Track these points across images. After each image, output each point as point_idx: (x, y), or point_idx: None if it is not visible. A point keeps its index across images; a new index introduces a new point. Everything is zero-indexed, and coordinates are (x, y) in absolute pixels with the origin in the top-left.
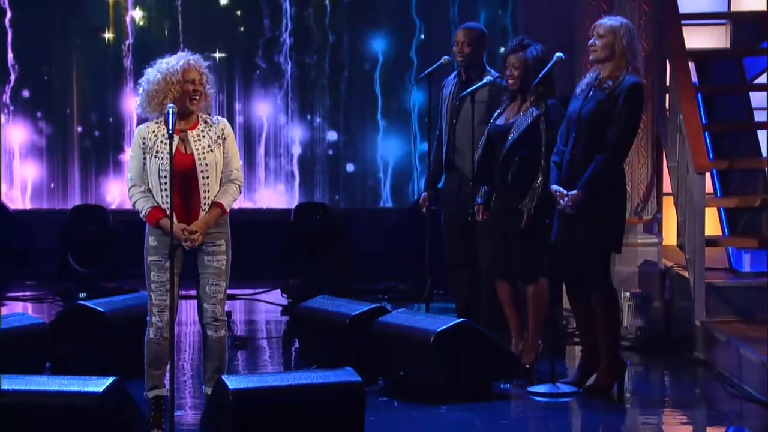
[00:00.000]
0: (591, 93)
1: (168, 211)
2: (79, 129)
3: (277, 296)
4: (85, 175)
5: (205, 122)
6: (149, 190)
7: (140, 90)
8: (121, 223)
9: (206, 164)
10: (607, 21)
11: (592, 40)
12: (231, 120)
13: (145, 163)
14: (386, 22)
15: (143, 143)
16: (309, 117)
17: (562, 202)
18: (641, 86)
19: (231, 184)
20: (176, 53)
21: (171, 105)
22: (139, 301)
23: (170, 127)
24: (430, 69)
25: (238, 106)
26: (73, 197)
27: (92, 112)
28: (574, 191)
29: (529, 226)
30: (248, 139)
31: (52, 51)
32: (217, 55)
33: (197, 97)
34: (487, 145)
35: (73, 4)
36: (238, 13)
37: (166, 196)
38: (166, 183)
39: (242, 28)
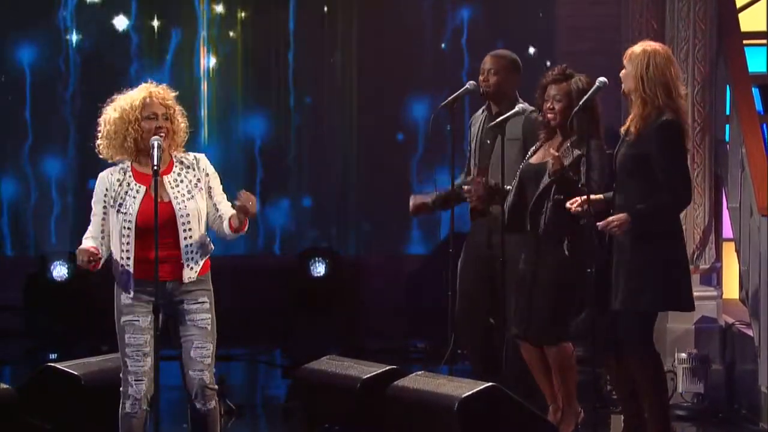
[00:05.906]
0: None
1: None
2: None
3: (277, 357)
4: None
5: (182, 162)
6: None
7: (100, 131)
8: (97, 271)
9: (187, 213)
10: (637, 46)
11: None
12: None
13: (105, 218)
14: None
15: (105, 194)
16: None
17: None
18: (676, 122)
19: None
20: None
21: (156, 138)
22: (118, 362)
23: (155, 163)
24: (453, 95)
25: None
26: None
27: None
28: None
29: (558, 173)
30: None
31: None
32: None
33: (163, 135)
34: (519, 186)
35: None
36: None
37: (128, 256)
38: (128, 242)
39: None
